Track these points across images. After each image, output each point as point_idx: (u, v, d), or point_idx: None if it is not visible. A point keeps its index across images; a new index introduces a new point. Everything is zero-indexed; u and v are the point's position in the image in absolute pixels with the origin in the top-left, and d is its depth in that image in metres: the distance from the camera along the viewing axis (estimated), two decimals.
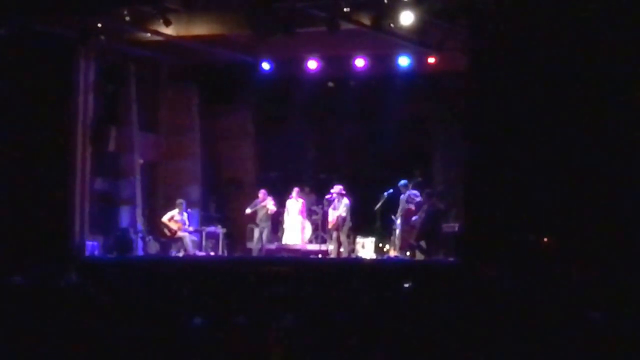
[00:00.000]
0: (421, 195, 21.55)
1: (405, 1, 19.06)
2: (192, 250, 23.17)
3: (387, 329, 9.46)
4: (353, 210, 22.13)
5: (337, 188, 22.29)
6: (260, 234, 23.01)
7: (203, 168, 25.50)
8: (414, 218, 21.34)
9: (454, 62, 20.52)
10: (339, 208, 22.04)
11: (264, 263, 21.19)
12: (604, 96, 17.25)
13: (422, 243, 21.29)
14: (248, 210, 23.21)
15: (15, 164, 21.54)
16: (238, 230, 24.32)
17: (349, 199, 22.15)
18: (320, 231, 23.19)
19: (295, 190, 23.37)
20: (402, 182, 21.71)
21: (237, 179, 25.63)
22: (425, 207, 21.22)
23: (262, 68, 23.83)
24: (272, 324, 8.97)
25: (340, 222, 21.97)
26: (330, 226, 22.29)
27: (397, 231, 21.64)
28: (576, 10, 17.37)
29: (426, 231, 21.16)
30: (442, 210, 21.44)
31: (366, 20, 20.03)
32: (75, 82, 22.26)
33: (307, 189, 24.17)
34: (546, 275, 16.23)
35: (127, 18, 20.51)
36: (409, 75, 22.69)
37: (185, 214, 23.44)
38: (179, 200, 23.53)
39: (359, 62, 22.93)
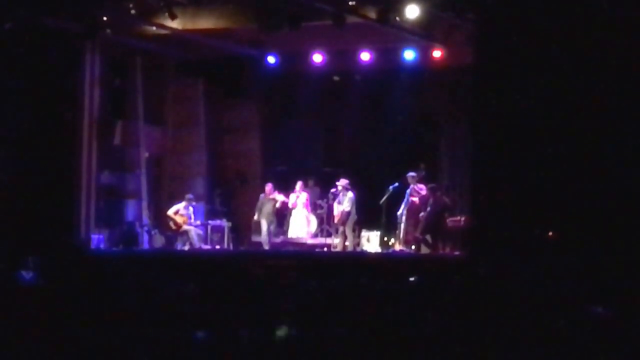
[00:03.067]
0: (427, 189, 21.54)
1: None
2: (197, 243, 23.21)
3: (393, 323, 9.48)
4: (358, 204, 22.12)
5: (342, 182, 22.27)
6: (268, 227, 23.03)
7: (208, 162, 25.52)
8: (421, 214, 21.32)
9: (460, 55, 20.52)
10: (344, 202, 22.03)
11: (269, 257, 21.22)
12: (612, 92, 17.21)
13: (428, 237, 21.30)
14: (256, 217, 23.18)
15: (21, 157, 21.57)
16: (243, 224, 24.34)
17: (353, 192, 22.13)
18: (326, 225, 23.21)
19: (299, 184, 23.36)
20: (410, 174, 21.69)
21: (242, 172, 25.66)
22: (431, 201, 21.22)
23: (267, 62, 23.84)
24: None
25: (345, 216, 21.95)
26: (335, 220, 22.29)
27: (402, 225, 21.64)
28: (585, 3, 17.33)
29: (431, 225, 21.17)
30: (447, 205, 21.44)
31: (372, 14, 20.06)
32: (82, 75, 22.32)
33: (310, 183, 24.18)
34: (551, 270, 16.23)
35: (133, 11, 20.55)
36: (415, 69, 22.69)
37: (190, 208, 23.46)
38: (188, 196, 23.55)
39: (365, 56, 22.94)
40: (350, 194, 22.07)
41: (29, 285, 12.11)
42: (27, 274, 12.88)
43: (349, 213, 21.94)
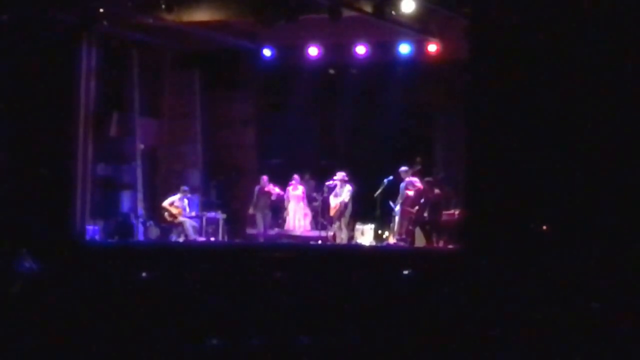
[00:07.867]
0: (422, 182, 21.55)
1: None
2: (192, 235, 23.24)
3: (387, 316, 9.51)
4: (353, 197, 22.17)
5: (340, 175, 22.33)
6: (263, 220, 23.10)
7: (204, 154, 25.54)
8: (416, 207, 21.28)
9: (456, 49, 20.55)
10: (342, 194, 22.08)
11: (265, 249, 21.26)
12: (607, 85, 17.24)
13: (419, 230, 21.29)
14: (251, 210, 23.26)
15: (16, 149, 21.57)
16: (239, 216, 24.37)
17: (352, 185, 22.20)
18: (320, 218, 23.25)
19: (295, 177, 23.40)
20: (403, 168, 21.73)
21: (238, 165, 25.67)
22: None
23: (263, 54, 23.88)
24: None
25: (342, 208, 22.01)
26: (332, 213, 22.33)
27: (397, 218, 21.69)
28: None
29: (425, 218, 21.16)
30: (440, 198, 21.41)
31: (368, 8, 20.10)
32: (78, 67, 22.28)
33: (307, 176, 24.20)
34: (545, 264, 16.28)
35: (130, 3, 20.56)
36: (410, 62, 22.73)
37: (185, 200, 23.51)
38: (184, 187, 23.60)
39: (360, 50, 22.99)
40: (348, 187, 22.14)
41: (25, 277, 12.14)
42: (22, 266, 12.91)
43: (346, 204, 22.01)
